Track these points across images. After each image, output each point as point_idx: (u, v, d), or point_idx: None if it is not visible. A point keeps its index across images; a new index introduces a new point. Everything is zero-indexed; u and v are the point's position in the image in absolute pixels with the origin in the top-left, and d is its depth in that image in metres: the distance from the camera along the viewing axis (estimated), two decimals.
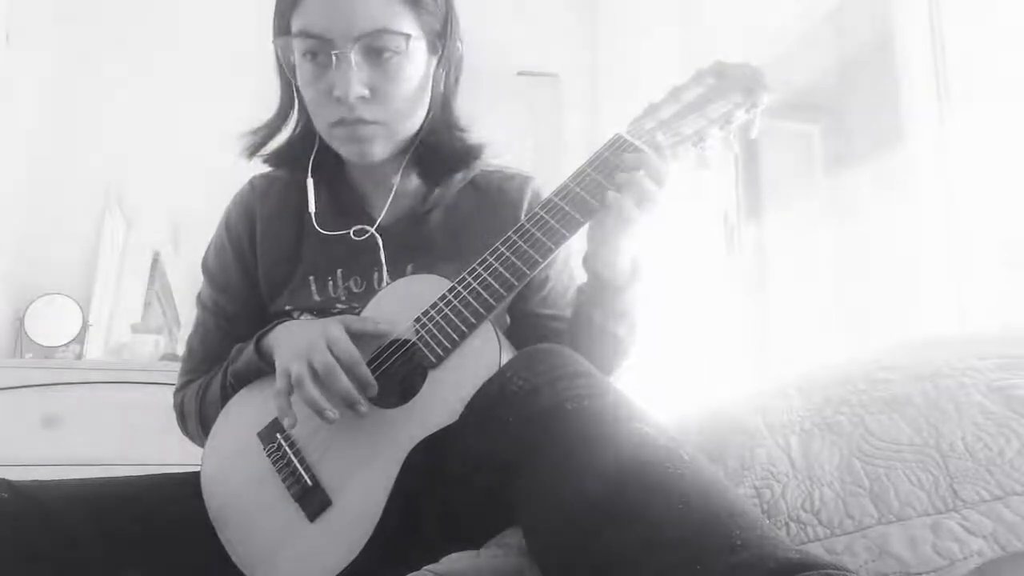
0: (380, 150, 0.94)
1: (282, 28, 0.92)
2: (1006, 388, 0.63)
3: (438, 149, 1.00)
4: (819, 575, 0.46)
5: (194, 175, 2.21)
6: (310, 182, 0.99)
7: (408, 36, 0.90)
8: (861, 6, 1.76)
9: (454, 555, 0.70)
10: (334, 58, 0.88)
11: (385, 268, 0.98)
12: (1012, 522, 0.55)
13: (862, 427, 0.67)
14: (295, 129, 1.02)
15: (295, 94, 0.99)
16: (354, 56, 0.88)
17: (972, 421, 0.62)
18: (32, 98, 2.37)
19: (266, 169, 1.07)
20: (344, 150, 0.95)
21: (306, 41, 0.89)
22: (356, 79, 0.88)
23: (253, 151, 1.02)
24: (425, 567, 0.69)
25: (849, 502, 0.62)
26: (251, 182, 1.08)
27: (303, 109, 0.99)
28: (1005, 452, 0.59)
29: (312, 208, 0.98)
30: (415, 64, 0.92)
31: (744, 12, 2.03)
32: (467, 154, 1.02)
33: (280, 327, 0.92)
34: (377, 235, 0.98)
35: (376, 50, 0.89)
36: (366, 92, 0.90)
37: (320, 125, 0.95)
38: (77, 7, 2.48)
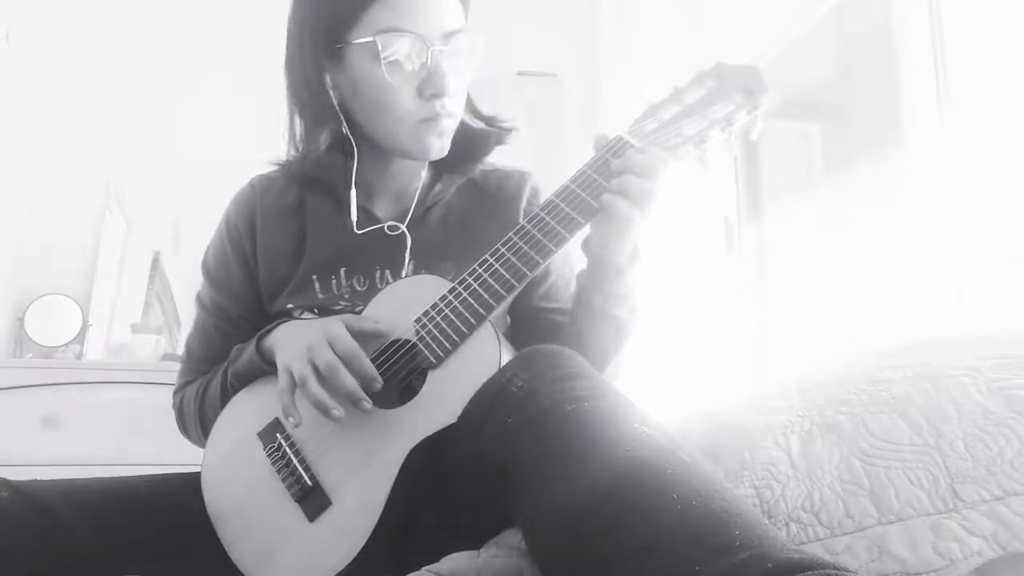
0: (449, 144, 0.97)
1: (336, 35, 0.90)
2: (1006, 388, 0.63)
3: (463, 137, 1.01)
4: (819, 575, 0.46)
5: (194, 175, 2.21)
6: (353, 194, 0.99)
7: (472, 33, 0.93)
8: (861, 6, 1.76)
9: (454, 555, 0.70)
10: (428, 55, 0.89)
11: (408, 264, 0.98)
12: (1012, 522, 0.55)
13: (862, 427, 0.67)
14: (325, 144, 0.98)
15: (331, 104, 0.95)
16: (444, 52, 0.90)
17: (972, 421, 0.62)
18: (32, 98, 2.37)
19: (267, 169, 1.07)
20: (420, 147, 0.94)
21: (392, 37, 0.88)
22: (451, 75, 0.90)
23: (299, 176, 1.02)
24: (425, 567, 0.69)
25: (849, 502, 0.62)
26: (251, 182, 1.08)
27: (334, 120, 0.96)
28: (1005, 452, 0.59)
29: (354, 216, 0.98)
30: (471, 60, 0.95)
31: (744, 12, 2.03)
32: (493, 139, 1.04)
33: (281, 327, 0.92)
34: (407, 232, 0.99)
35: (454, 47, 0.91)
36: (453, 87, 0.92)
37: (396, 126, 0.93)
38: (77, 7, 2.47)
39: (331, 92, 0.95)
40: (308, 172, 1.01)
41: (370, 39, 0.88)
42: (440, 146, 0.95)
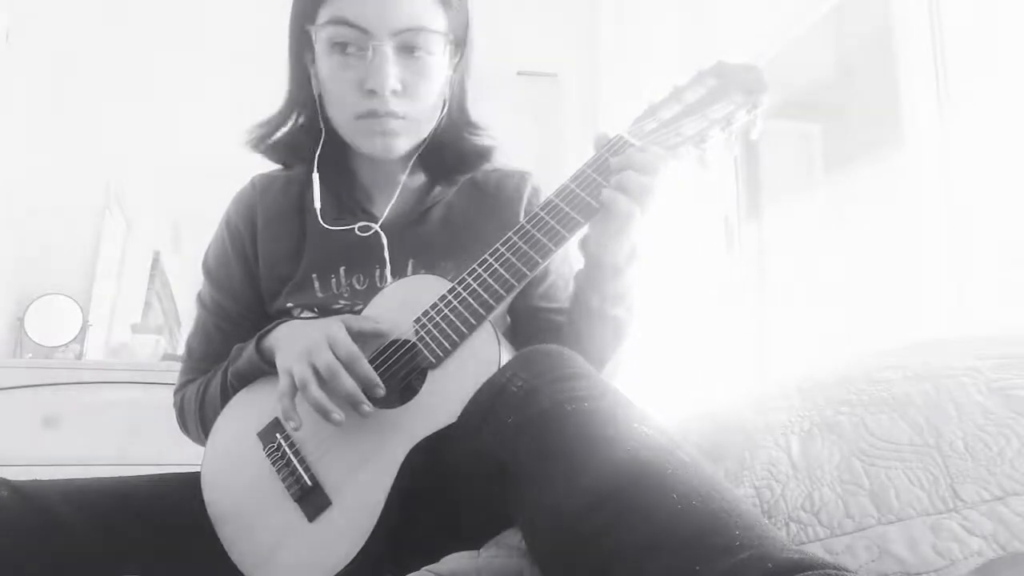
0: (403, 145, 0.95)
1: (308, 16, 0.92)
2: (1006, 388, 0.63)
3: (450, 149, 1.01)
4: (819, 575, 0.46)
5: (194, 175, 2.21)
6: (315, 176, 0.99)
7: (444, 35, 0.91)
8: (861, 6, 1.76)
9: (454, 555, 0.70)
10: (371, 50, 0.88)
11: (388, 266, 0.98)
12: (1012, 522, 0.55)
13: (862, 427, 0.67)
14: (296, 122, 1.02)
15: (308, 85, 0.98)
16: (390, 50, 0.89)
17: (972, 421, 0.62)
18: (32, 98, 2.37)
19: (268, 168, 1.07)
20: (367, 143, 0.94)
21: (340, 29, 0.89)
22: (392, 72, 0.89)
23: (258, 143, 1.02)
24: (425, 567, 0.69)
25: (849, 502, 0.62)
26: (252, 181, 1.08)
27: (310, 102, 0.99)
28: (1005, 452, 0.59)
29: (317, 204, 0.98)
30: (442, 63, 0.94)
31: (744, 12, 2.03)
32: (478, 155, 1.03)
33: (281, 327, 0.92)
34: (381, 232, 0.99)
35: (410, 47, 0.90)
36: (399, 86, 0.90)
37: (342, 117, 0.95)
38: (77, 7, 2.47)
39: (313, 78, 0.96)
40: (277, 142, 1.02)
41: (322, 25, 0.90)
42: (386, 145, 0.94)
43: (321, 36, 0.91)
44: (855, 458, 0.65)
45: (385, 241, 0.98)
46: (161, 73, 2.49)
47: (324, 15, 0.90)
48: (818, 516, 0.63)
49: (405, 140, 0.95)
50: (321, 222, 0.98)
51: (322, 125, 0.98)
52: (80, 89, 2.46)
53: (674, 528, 0.53)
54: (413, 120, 0.94)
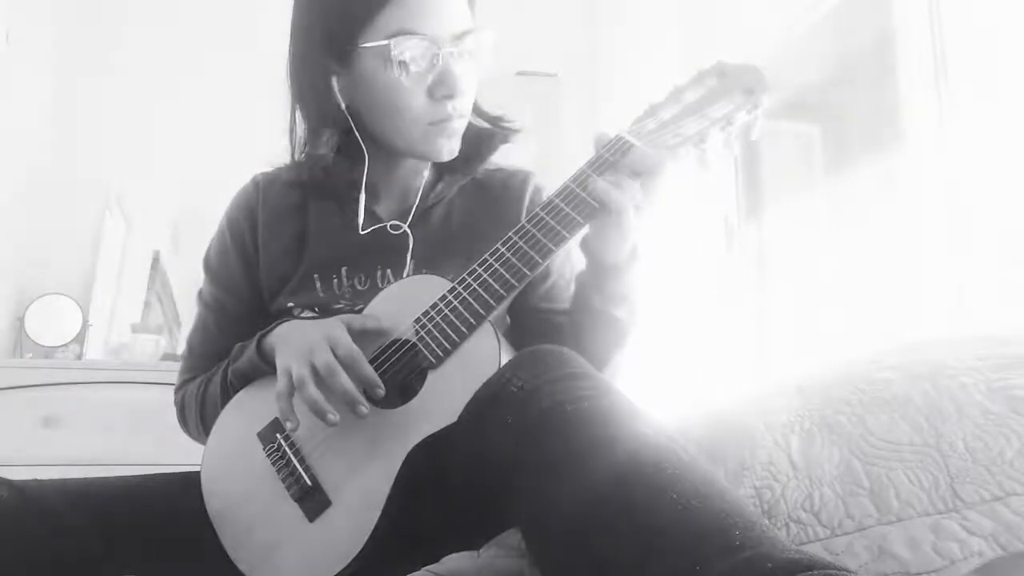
0: (458, 145, 0.97)
1: (350, 36, 0.89)
2: (1006, 388, 0.63)
3: (471, 137, 1.01)
4: (819, 575, 0.46)
5: (194, 175, 2.21)
6: (362, 197, 0.99)
7: (485, 35, 0.92)
8: (861, 6, 1.76)
9: (454, 555, 0.70)
10: (440, 58, 0.89)
11: (408, 265, 0.98)
12: (1012, 522, 0.55)
13: (862, 427, 0.67)
14: (332, 148, 0.98)
15: (333, 103, 0.95)
16: (455, 54, 0.90)
17: (972, 421, 0.62)
18: (32, 98, 2.37)
19: (269, 168, 1.07)
20: (433, 148, 0.95)
21: (407, 41, 0.87)
22: (459, 76, 0.90)
23: (308, 186, 1.02)
24: (425, 567, 0.69)
25: (849, 502, 0.62)
26: (254, 179, 1.08)
27: (340, 119, 0.96)
28: (1005, 452, 0.59)
29: (361, 218, 0.99)
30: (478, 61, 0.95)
31: (744, 12, 2.03)
32: (495, 140, 1.04)
33: (282, 327, 0.92)
34: (409, 232, 0.99)
35: (462, 49, 0.91)
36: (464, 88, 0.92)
37: (410, 127, 0.93)
38: (77, 7, 2.47)
39: (338, 94, 0.94)
40: (315, 178, 1.01)
41: (383, 42, 0.88)
42: (450, 147, 0.96)
43: (373, 53, 0.89)
44: (855, 458, 0.65)
45: (411, 243, 0.98)
46: (161, 73, 2.49)
47: (379, 31, 0.88)
48: (818, 516, 0.63)
49: (459, 139, 0.97)
50: (359, 231, 0.98)
51: (361, 143, 0.97)
52: (80, 89, 2.46)
53: (674, 528, 0.53)
54: (466, 118, 0.97)
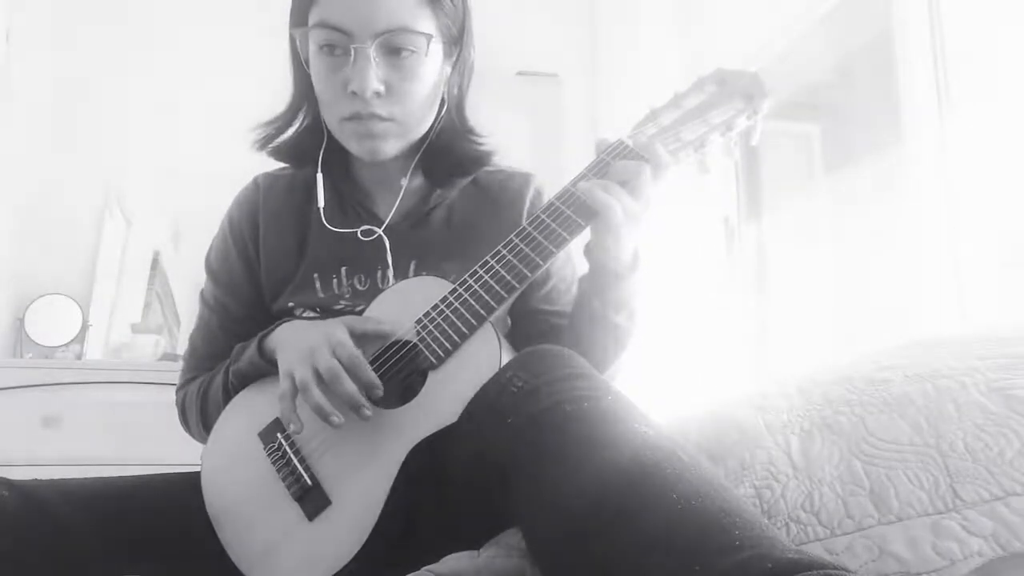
0: (391, 148, 0.95)
1: (300, 19, 0.93)
2: (1006, 388, 0.63)
3: (448, 152, 1.01)
4: (819, 575, 0.46)
5: (194, 175, 2.21)
6: (319, 177, 0.99)
7: (428, 36, 0.90)
8: (861, 6, 1.76)
9: (454, 555, 0.70)
10: (353, 52, 0.88)
11: (391, 268, 0.98)
12: (1012, 522, 0.55)
13: (862, 427, 0.67)
14: (303, 123, 1.02)
15: (310, 87, 0.98)
16: (373, 52, 0.88)
17: (972, 421, 0.62)
18: (32, 98, 2.37)
19: (270, 167, 1.07)
20: (355, 146, 0.95)
21: (324, 33, 0.89)
22: (373, 75, 0.89)
23: (264, 143, 1.03)
24: (425, 567, 0.69)
25: (849, 502, 0.62)
26: (255, 180, 1.08)
27: (313, 103, 0.99)
28: (1005, 452, 0.59)
29: (321, 203, 0.99)
30: (431, 65, 0.93)
31: (744, 12, 2.03)
32: (476, 160, 1.03)
33: (283, 328, 0.92)
34: (384, 236, 0.98)
35: (395, 48, 0.90)
36: (382, 88, 0.90)
37: (332, 119, 0.95)
38: (77, 7, 2.47)
39: (312, 76, 0.96)
40: (283, 143, 1.02)
41: (310, 28, 0.91)
42: (372, 148, 0.94)
43: (310, 39, 0.92)
44: (855, 458, 0.65)
45: (388, 244, 0.98)
46: (161, 73, 2.49)
47: (312, 18, 0.91)
48: (818, 516, 0.63)
49: (394, 142, 0.95)
50: (325, 223, 0.98)
51: (324, 126, 0.99)
52: (80, 89, 2.46)
53: (674, 528, 0.53)
54: (400, 122, 0.93)
